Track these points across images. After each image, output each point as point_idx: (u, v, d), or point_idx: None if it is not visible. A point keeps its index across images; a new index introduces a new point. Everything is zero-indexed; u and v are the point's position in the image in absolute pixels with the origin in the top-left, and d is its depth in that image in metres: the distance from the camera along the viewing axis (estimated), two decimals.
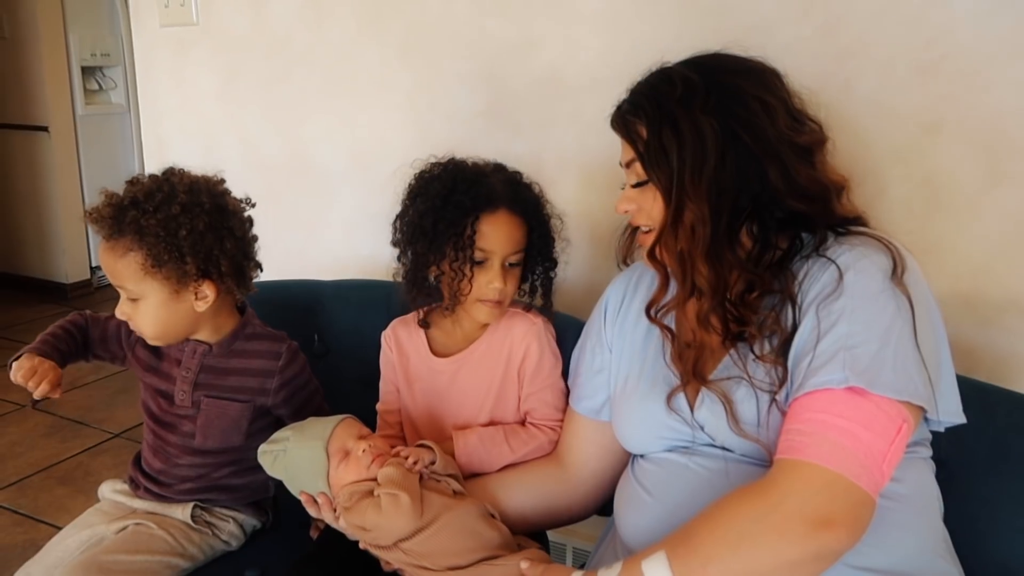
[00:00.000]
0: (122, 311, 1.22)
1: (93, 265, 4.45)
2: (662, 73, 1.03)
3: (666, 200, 0.99)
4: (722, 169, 0.96)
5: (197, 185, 1.21)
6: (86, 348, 1.34)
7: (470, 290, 1.24)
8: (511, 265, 1.25)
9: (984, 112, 1.29)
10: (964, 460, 1.10)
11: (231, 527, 1.34)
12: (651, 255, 1.06)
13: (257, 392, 1.30)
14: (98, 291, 4.47)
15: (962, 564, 1.01)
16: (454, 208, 1.21)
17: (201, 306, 1.22)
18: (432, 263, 1.25)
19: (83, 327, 1.34)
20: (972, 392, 1.12)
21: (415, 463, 1.15)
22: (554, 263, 1.32)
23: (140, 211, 1.15)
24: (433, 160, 1.30)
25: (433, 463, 1.18)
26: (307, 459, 1.16)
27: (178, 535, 1.28)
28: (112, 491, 1.37)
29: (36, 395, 1.18)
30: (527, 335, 1.29)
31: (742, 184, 0.96)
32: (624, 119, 1.04)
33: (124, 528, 1.28)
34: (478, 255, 1.23)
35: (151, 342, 1.27)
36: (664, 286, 1.07)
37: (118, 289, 1.21)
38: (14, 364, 1.21)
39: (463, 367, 1.31)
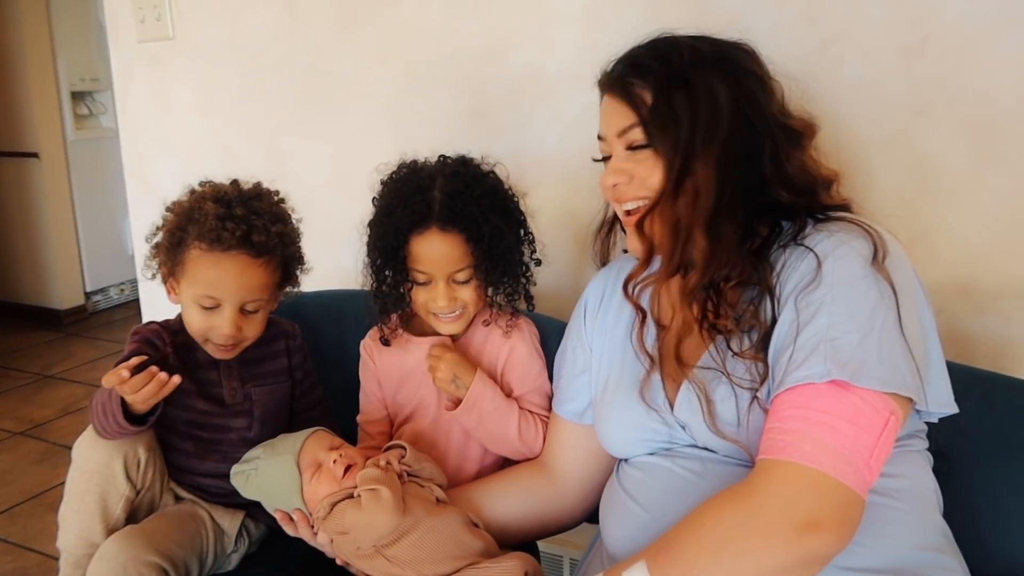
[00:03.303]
0: (236, 326, 1.20)
1: (88, 291, 4.43)
2: (666, 39, 0.99)
3: (669, 165, 0.94)
4: (733, 136, 0.92)
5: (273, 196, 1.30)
6: None
7: (412, 304, 1.22)
8: (460, 281, 1.19)
9: (973, 93, 1.25)
10: (966, 451, 1.06)
11: (245, 548, 1.30)
12: (639, 225, 0.99)
13: (289, 370, 1.36)
14: (92, 316, 4.44)
15: (968, 557, 0.97)
16: (388, 228, 1.17)
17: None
18: (384, 283, 1.22)
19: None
20: (972, 381, 1.09)
21: (387, 464, 1.11)
22: (523, 268, 1.25)
23: (271, 224, 1.22)
24: (400, 163, 1.26)
25: (402, 458, 1.15)
26: (279, 475, 1.13)
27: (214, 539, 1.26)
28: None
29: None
30: (509, 338, 1.26)
31: (747, 157, 0.93)
32: (624, 82, 0.97)
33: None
34: (419, 276, 1.18)
35: (242, 346, 1.25)
36: (646, 262, 1.00)
37: (247, 305, 1.21)
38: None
39: None
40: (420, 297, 1.20)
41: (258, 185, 1.29)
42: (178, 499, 1.29)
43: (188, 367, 1.27)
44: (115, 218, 4.51)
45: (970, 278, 1.31)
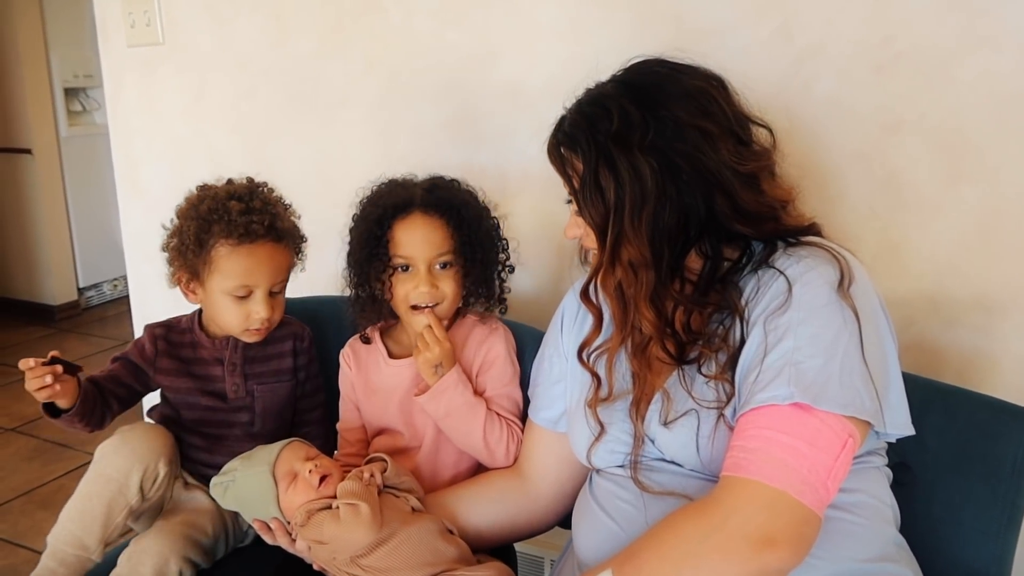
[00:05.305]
0: (271, 306, 1.29)
1: (80, 286, 4.45)
2: (598, 102, 0.96)
3: (600, 240, 0.95)
4: (662, 210, 0.91)
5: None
6: (102, 397, 1.32)
7: (392, 297, 1.25)
8: (443, 267, 1.23)
9: (942, 109, 1.28)
10: (928, 463, 1.09)
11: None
12: (584, 294, 1.03)
13: (293, 370, 1.40)
14: (86, 311, 4.46)
15: (928, 567, 1.00)
16: (369, 219, 1.23)
17: None
18: (368, 278, 1.26)
19: (95, 384, 1.32)
20: (934, 394, 1.12)
21: (371, 476, 1.14)
22: (500, 264, 1.30)
23: (284, 212, 1.34)
24: (381, 180, 1.31)
25: (385, 471, 1.18)
26: (255, 485, 1.16)
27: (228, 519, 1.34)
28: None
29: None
30: (488, 339, 1.29)
31: (687, 217, 0.92)
32: (559, 152, 0.98)
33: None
34: (399, 261, 1.23)
35: (270, 328, 1.32)
36: (599, 327, 1.04)
37: (274, 287, 1.30)
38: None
39: None
40: (401, 289, 1.24)
41: (251, 180, 1.36)
42: (187, 485, 1.34)
43: (192, 364, 1.35)
44: (108, 213, 4.50)
45: (939, 291, 1.34)
